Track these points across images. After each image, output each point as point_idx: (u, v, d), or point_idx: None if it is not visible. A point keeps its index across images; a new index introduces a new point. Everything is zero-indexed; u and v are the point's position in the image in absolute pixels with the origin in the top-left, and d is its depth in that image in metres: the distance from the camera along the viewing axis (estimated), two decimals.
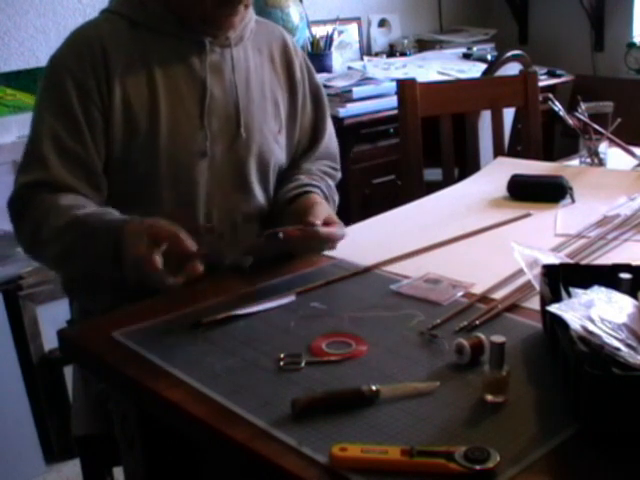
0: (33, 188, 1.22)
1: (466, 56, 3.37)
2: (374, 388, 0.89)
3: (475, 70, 3.09)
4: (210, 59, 1.32)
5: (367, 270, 1.28)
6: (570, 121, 1.91)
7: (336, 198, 1.49)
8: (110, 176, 1.28)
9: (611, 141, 1.90)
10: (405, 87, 2.13)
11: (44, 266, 1.42)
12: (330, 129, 1.54)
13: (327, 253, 1.33)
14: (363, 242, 1.42)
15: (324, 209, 1.28)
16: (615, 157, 1.92)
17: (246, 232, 1.38)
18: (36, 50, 2.51)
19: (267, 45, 1.43)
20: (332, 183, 1.50)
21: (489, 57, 3.25)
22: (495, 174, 1.80)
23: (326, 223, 1.24)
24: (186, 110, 1.29)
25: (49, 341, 2.19)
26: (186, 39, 1.30)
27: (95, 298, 1.36)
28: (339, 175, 1.57)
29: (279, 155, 1.43)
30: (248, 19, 1.37)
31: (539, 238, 1.37)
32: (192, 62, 1.31)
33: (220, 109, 1.33)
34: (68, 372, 2.17)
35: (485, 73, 2.79)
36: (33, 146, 1.24)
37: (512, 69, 2.75)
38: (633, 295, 0.95)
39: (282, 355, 1.00)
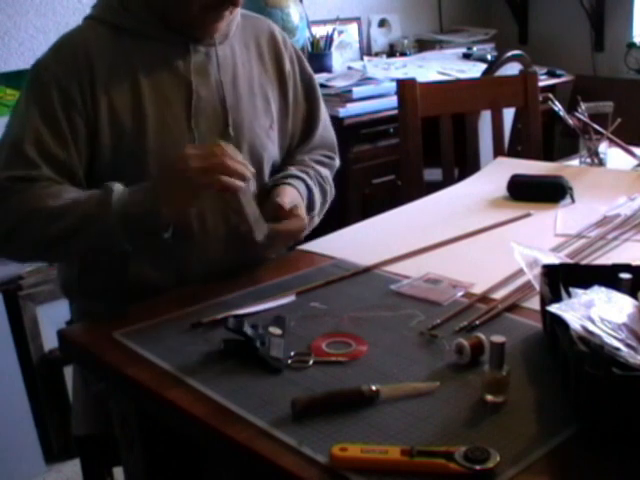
0: (19, 182, 1.20)
1: (466, 56, 3.37)
2: (374, 388, 0.89)
3: (475, 70, 3.09)
4: (194, 60, 1.31)
5: (367, 270, 1.28)
6: (570, 121, 1.91)
7: (329, 188, 1.48)
8: (99, 181, 1.27)
9: (611, 141, 1.90)
10: (405, 87, 2.13)
11: (17, 255, 1.31)
12: (324, 118, 1.53)
13: (326, 253, 1.33)
14: (363, 242, 1.42)
15: (285, 201, 1.27)
16: (615, 157, 1.92)
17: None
18: (36, 50, 2.50)
19: (255, 40, 1.42)
20: (326, 172, 1.49)
21: (489, 57, 3.25)
22: (495, 174, 1.80)
23: (280, 216, 1.24)
24: (173, 113, 1.29)
25: (49, 341, 2.18)
26: (169, 42, 1.29)
27: (93, 302, 1.35)
28: (336, 163, 1.55)
29: (272, 150, 1.42)
30: (233, 17, 1.35)
31: (539, 238, 1.37)
32: (176, 64, 1.30)
33: (208, 109, 1.32)
34: (68, 372, 2.17)
35: (485, 73, 2.79)
36: (16, 147, 1.22)
37: (512, 69, 2.74)
38: (633, 295, 0.96)
39: (292, 353, 1.00)
